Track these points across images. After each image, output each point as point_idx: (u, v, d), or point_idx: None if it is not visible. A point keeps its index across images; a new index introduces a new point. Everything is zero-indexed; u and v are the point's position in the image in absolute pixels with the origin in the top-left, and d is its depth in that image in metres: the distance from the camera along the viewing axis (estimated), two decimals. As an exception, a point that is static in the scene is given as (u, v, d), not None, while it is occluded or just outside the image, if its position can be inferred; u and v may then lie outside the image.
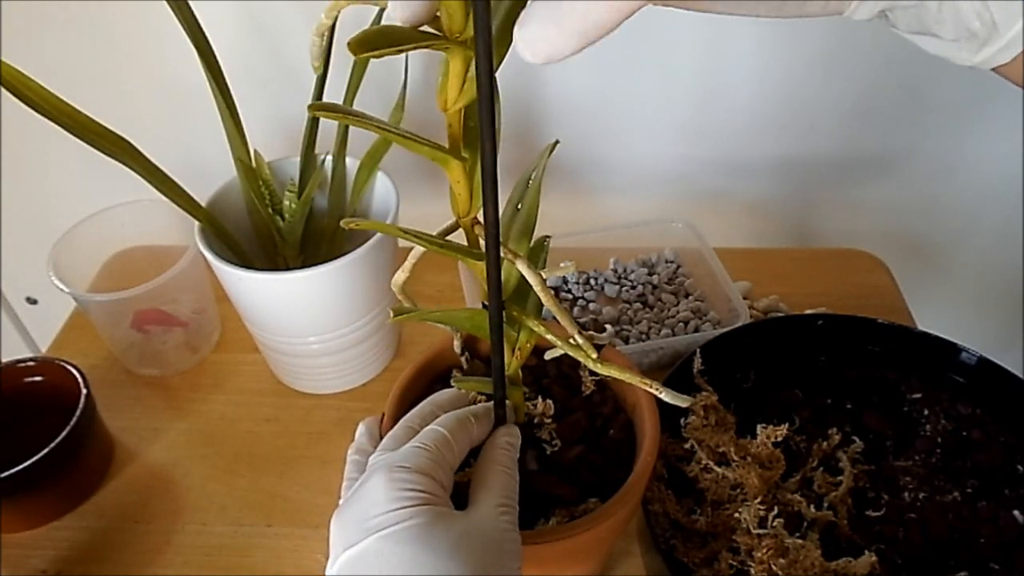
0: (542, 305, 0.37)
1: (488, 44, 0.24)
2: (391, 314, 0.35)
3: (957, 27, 0.25)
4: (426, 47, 0.26)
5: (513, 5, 0.27)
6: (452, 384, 0.40)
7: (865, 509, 0.51)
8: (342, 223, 0.33)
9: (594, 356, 0.38)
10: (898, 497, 0.52)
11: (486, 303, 0.39)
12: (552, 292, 0.39)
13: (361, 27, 0.24)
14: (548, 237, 0.43)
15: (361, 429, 0.42)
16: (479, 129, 0.27)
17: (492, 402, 0.39)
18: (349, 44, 0.24)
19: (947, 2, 0.25)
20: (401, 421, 0.39)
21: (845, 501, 0.51)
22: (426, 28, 0.27)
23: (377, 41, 0.25)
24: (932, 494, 0.52)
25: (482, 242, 0.35)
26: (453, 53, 0.27)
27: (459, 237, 0.36)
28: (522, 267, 0.34)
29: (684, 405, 0.38)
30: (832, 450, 0.54)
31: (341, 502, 0.36)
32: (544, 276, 0.35)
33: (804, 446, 0.55)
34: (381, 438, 0.41)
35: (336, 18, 0.26)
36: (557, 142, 0.39)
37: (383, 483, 0.33)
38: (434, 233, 0.36)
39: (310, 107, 0.27)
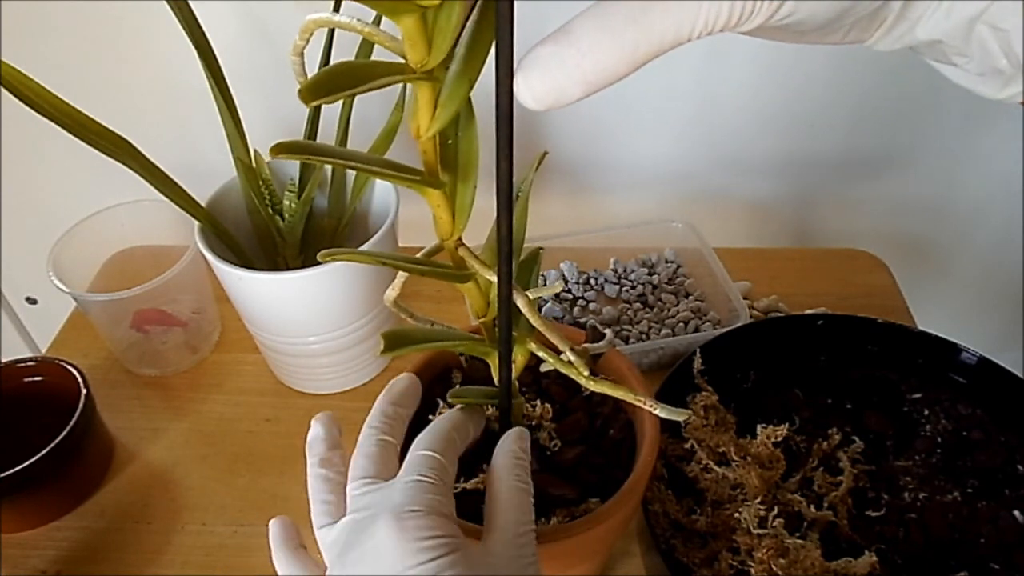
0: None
1: (509, 62, 0.24)
2: (381, 344, 0.33)
3: (983, 63, 0.25)
4: (390, 83, 0.25)
5: (482, 27, 0.26)
6: (448, 401, 0.39)
7: (865, 509, 0.51)
8: (318, 256, 0.32)
9: (586, 374, 0.38)
10: (898, 497, 0.52)
11: (479, 318, 0.39)
12: (538, 311, 0.39)
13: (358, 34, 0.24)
14: (540, 249, 0.43)
15: (317, 430, 0.37)
16: (496, 148, 0.26)
17: (463, 408, 0.38)
18: (300, 92, 0.23)
19: (975, 39, 0.24)
20: (368, 432, 0.35)
21: (845, 501, 0.51)
22: (388, 60, 0.26)
23: (334, 84, 0.23)
24: (932, 494, 0.52)
25: (468, 262, 0.34)
26: (419, 84, 0.27)
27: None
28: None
29: (680, 419, 0.37)
30: (832, 450, 0.54)
31: (331, 548, 0.32)
32: (532, 296, 0.35)
33: (804, 446, 0.55)
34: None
35: (309, 39, 0.25)
36: (546, 153, 0.39)
37: (396, 534, 0.29)
38: (419, 254, 0.35)
39: (272, 149, 0.25)
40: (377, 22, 0.46)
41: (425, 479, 0.32)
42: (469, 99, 0.29)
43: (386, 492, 0.32)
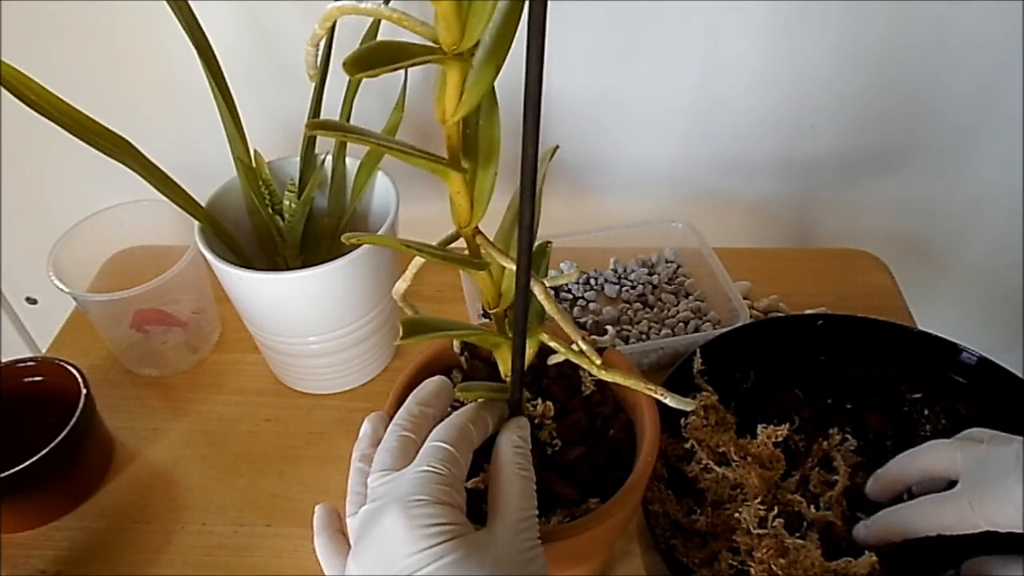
0: (543, 311, 0.37)
1: (541, 48, 0.24)
2: (399, 333, 0.33)
3: None
4: (423, 63, 0.26)
5: (510, 13, 0.26)
6: (457, 394, 0.39)
7: (865, 509, 0.51)
8: (343, 238, 0.32)
9: (598, 362, 0.38)
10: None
11: (487, 309, 0.39)
12: (555, 299, 0.39)
13: (357, 32, 0.24)
14: (549, 242, 0.43)
15: (366, 428, 0.40)
16: (523, 135, 0.26)
17: (482, 402, 0.39)
18: (344, 64, 0.24)
19: None
20: (392, 428, 0.37)
21: (840, 502, 0.51)
22: (422, 42, 0.27)
23: (373, 59, 0.24)
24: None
25: (483, 251, 0.35)
26: (450, 66, 0.27)
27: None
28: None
29: (689, 408, 0.38)
30: (831, 449, 0.54)
31: (352, 534, 0.35)
32: (547, 284, 0.35)
33: (803, 446, 0.55)
34: None
35: (331, 27, 0.26)
36: (557, 147, 0.39)
37: (402, 522, 0.31)
38: (435, 242, 0.35)
39: (307, 125, 0.27)
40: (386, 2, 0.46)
41: (433, 470, 0.33)
42: (493, 87, 0.29)
43: (397, 482, 0.34)
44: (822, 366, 0.61)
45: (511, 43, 0.26)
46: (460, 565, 0.30)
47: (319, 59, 0.57)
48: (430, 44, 0.26)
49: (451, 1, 0.25)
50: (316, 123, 0.27)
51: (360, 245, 0.53)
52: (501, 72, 0.27)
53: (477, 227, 0.34)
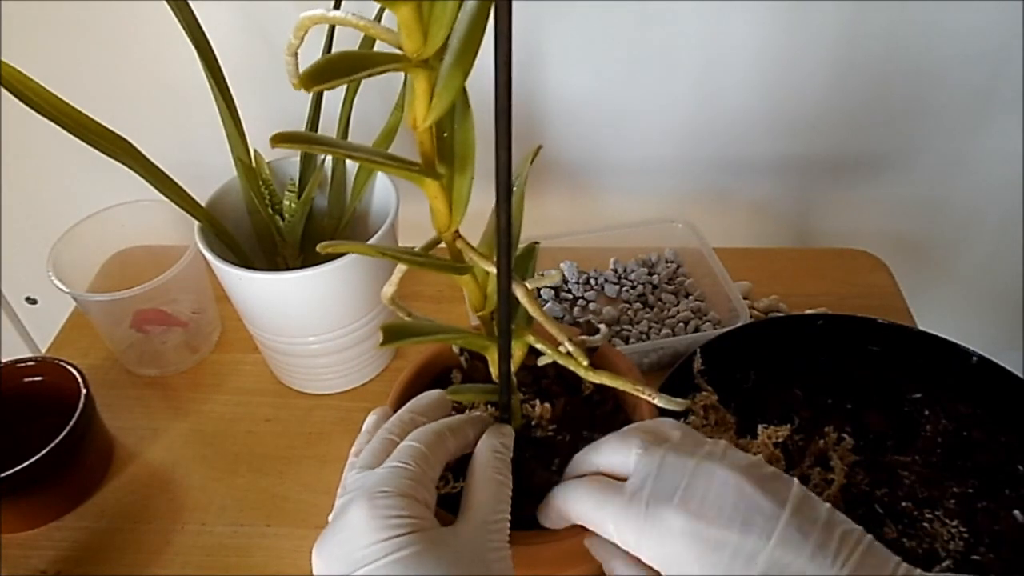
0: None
1: (508, 53, 0.24)
2: (381, 337, 0.33)
3: None
4: (384, 72, 0.26)
5: (477, 17, 0.26)
6: (448, 396, 0.39)
7: (865, 508, 0.51)
8: (318, 247, 0.32)
9: (585, 364, 0.38)
10: (898, 496, 0.52)
11: (473, 312, 0.39)
12: (539, 302, 0.39)
13: (357, 35, 0.24)
14: (536, 243, 0.43)
15: (368, 424, 0.40)
16: (495, 138, 0.26)
17: (468, 414, 0.39)
18: (300, 79, 0.24)
19: None
20: (379, 432, 0.37)
21: (837, 501, 0.51)
22: (385, 49, 0.26)
23: (332, 71, 0.24)
24: (932, 494, 0.52)
25: (465, 255, 0.34)
26: (415, 73, 0.27)
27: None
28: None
29: (678, 408, 0.37)
30: (828, 448, 0.54)
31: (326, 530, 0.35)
32: (530, 286, 0.35)
33: (803, 445, 0.55)
34: None
35: (304, 37, 0.26)
36: (540, 147, 0.39)
37: (365, 512, 0.31)
38: (417, 247, 0.35)
39: (272, 139, 0.26)
40: (378, 18, 0.46)
41: (403, 465, 0.34)
42: (465, 91, 0.29)
43: (368, 476, 0.34)
44: (822, 366, 0.61)
45: (479, 47, 0.26)
46: (417, 558, 0.30)
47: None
48: (396, 52, 0.26)
49: (411, 9, 0.24)
50: (281, 136, 0.26)
51: (360, 245, 0.53)
52: (485, 76, 0.27)
53: (457, 231, 0.34)
